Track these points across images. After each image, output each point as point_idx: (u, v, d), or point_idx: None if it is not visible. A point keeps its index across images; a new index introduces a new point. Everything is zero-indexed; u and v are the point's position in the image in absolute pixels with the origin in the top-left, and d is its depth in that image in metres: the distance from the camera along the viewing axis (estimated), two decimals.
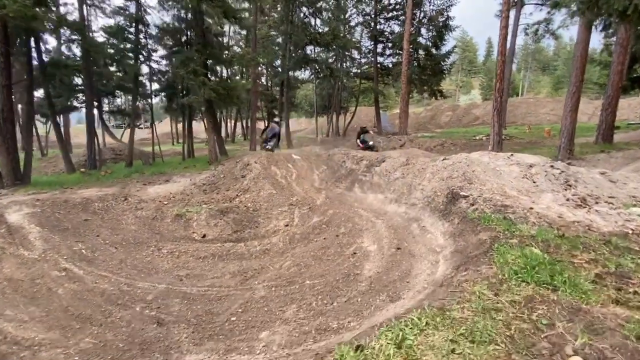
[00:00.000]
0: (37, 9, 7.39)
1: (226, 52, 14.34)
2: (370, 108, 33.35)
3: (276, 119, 14.80)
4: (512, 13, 19.64)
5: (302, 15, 17.53)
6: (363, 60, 27.53)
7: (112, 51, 13.21)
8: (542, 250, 3.01)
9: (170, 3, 11.41)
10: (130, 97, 16.13)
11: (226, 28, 23.03)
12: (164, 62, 14.99)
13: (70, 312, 3.39)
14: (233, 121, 31.07)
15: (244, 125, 30.75)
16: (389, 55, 26.13)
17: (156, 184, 9.91)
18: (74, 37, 14.22)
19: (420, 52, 23.84)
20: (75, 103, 16.98)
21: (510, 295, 2.26)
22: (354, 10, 24.51)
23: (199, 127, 28.56)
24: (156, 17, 18.30)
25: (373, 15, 24.48)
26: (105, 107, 18.08)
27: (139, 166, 12.65)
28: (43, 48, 12.92)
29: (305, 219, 6.70)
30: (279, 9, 18.38)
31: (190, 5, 9.65)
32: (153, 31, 13.25)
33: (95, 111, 16.34)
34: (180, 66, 9.76)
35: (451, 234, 4.22)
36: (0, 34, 7.72)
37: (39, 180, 10.09)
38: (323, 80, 24.33)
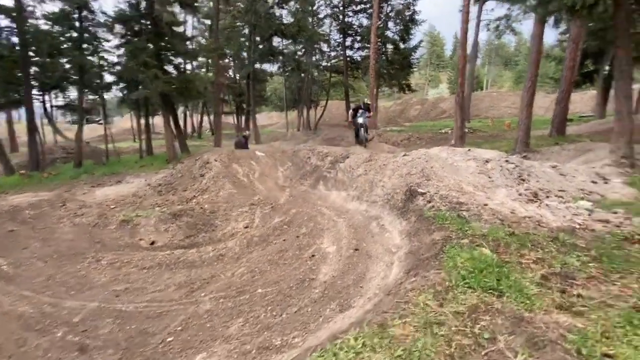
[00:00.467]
0: None
1: (187, 43, 13.50)
2: (342, 102, 33.26)
3: (245, 133, 13.92)
4: (475, 9, 20.16)
5: (267, 5, 16.92)
6: (333, 54, 27.32)
7: (56, 40, 12.03)
8: (492, 250, 2.94)
9: None
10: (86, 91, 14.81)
11: (188, 18, 21.89)
12: (118, 52, 13.95)
13: None
14: (199, 116, 29.78)
15: (211, 120, 29.63)
16: (358, 49, 26.11)
17: (106, 185, 9.17)
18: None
19: (389, 46, 23.96)
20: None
21: (455, 304, 2.13)
22: (322, 2, 24.13)
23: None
24: (111, 3, 16.88)
25: (341, 8, 24.25)
26: (59, 102, 16.56)
27: (89, 166, 11.69)
28: None
29: (267, 220, 6.41)
30: None
31: None
32: (102, 18, 12.19)
33: (44, 106, 14.97)
34: (130, 57, 8.98)
35: (407, 233, 4.12)
36: None
37: None
38: (291, 73, 23.84)
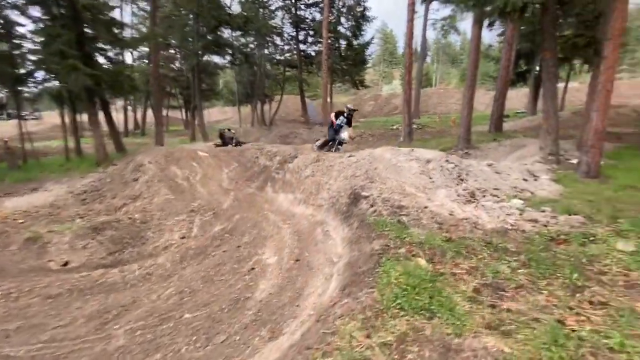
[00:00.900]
0: None
1: (117, 30, 12.10)
2: (298, 97, 32.81)
3: (230, 131, 13.03)
4: (423, 8, 20.82)
5: None
6: (286, 47, 26.64)
7: None
8: (428, 260, 2.84)
9: None
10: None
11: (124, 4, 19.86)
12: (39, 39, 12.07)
13: None
14: (143, 110, 27.48)
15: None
16: (312, 44, 25.69)
17: (19, 194, 7.91)
18: None
19: (342, 41, 23.92)
20: None
21: (384, 333, 1.93)
22: None
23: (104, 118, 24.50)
24: None
25: (293, 1, 23.64)
26: None
27: (1, 170, 10.06)
28: None
29: (207, 228, 5.90)
30: None
31: None
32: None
33: None
34: (44, 45, 7.71)
35: (350, 241, 3.93)
36: None
37: None
38: (241, 66, 22.82)
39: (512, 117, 18.67)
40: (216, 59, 22.12)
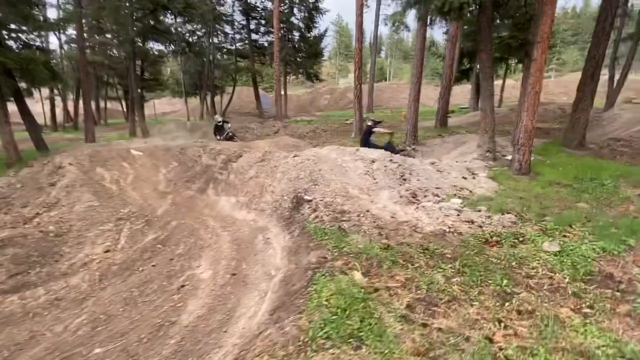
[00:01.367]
0: None
1: (32, 10, 10.43)
2: (252, 88, 31.65)
3: (218, 118, 12.40)
4: (375, 2, 20.96)
5: None
6: (237, 37, 25.40)
7: None
8: (364, 272, 2.68)
9: None
10: None
11: None
12: None
13: None
14: (74, 102, 24.55)
15: (97, 106, 24.73)
16: (264, 34, 24.80)
17: None
18: None
19: (295, 33, 23.37)
20: None
21: None
22: None
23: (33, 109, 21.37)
24: None
25: None
26: None
27: None
28: None
29: (137, 238, 5.27)
30: None
31: None
32: None
33: None
34: None
35: (289, 251, 3.68)
36: None
37: None
38: (186, 55, 21.31)
39: (456, 113, 19.72)
40: (158, 46, 20.40)
